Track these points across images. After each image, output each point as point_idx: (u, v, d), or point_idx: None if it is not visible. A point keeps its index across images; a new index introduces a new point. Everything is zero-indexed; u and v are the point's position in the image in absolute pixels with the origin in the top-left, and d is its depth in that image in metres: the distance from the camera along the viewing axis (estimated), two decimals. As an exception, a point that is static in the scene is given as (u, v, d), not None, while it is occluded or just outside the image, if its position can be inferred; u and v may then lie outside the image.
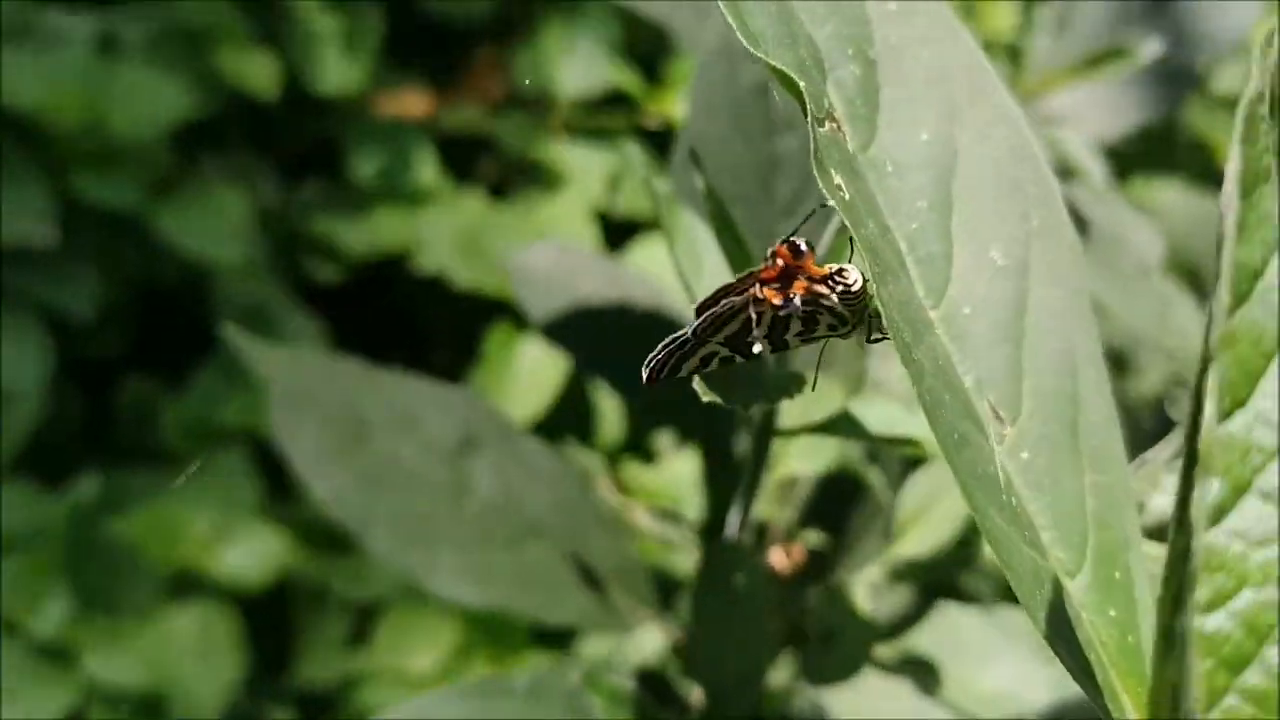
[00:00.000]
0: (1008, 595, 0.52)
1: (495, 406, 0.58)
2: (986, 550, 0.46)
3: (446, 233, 0.89)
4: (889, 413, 0.37)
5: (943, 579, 0.49)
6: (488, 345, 0.84)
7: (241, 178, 0.89)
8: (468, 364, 0.87)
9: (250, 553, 0.77)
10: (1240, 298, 0.17)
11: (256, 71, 0.86)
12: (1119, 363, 0.71)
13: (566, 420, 0.86)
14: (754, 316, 0.26)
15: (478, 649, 0.80)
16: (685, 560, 0.65)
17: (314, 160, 0.93)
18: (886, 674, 0.49)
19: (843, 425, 0.37)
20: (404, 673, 0.79)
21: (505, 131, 0.94)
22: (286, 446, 0.46)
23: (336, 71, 0.89)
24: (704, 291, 0.36)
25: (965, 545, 0.47)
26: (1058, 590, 0.25)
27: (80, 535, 0.76)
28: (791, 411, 0.41)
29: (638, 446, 0.86)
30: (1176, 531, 0.17)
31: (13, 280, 0.81)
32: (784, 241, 0.26)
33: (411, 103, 0.97)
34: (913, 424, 0.37)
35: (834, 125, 0.26)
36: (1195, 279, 0.69)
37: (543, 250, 0.61)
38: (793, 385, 0.33)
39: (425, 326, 0.95)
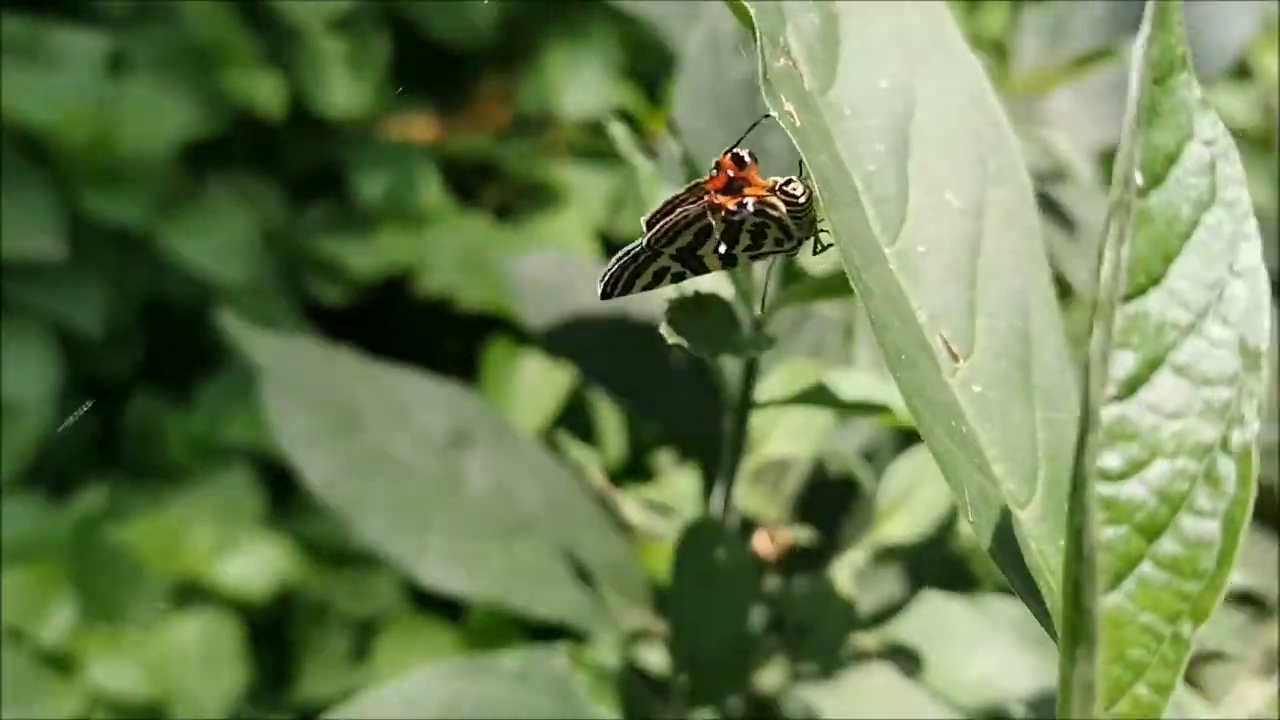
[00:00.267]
0: (993, 585, 0.52)
1: (488, 404, 0.58)
2: (967, 532, 0.47)
3: (450, 253, 0.90)
4: (862, 382, 0.38)
5: (927, 566, 0.49)
6: (487, 358, 0.85)
7: (247, 197, 0.90)
8: (471, 384, 0.88)
9: (252, 563, 0.78)
10: (1154, 179, 0.18)
11: (263, 92, 0.88)
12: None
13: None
14: (715, 224, 0.27)
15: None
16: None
17: (320, 182, 0.94)
18: (871, 662, 0.50)
19: (818, 395, 0.38)
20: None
21: (509, 157, 0.95)
22: (278, 430, 0.47)
23: (342, 94, 0.91)
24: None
25: (947, 530, 0.47)
26: (1006, 514, 0.26)
27: (85, 545, 0.77)
28: (769, 387, 0.42)
29: (639, 464, 0.87)
30: (1082, 402, 0.18)
31: (21, 295, 0.82)
32: (728, 152, 0.27)
33: (418, 128, 0.99)
34: (885, 392, 0.37)
35: (790, 63, 0.27)
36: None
37: (541, 260, 0.62)
38: (764, 342, 0.33)
39: (429, 347, 0.96)
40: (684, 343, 0.29)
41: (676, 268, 0.29)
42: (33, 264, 0.82)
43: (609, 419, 0.86)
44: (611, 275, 0.29)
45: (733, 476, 0.43)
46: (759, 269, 0.36)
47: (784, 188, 0.27)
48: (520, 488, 0.53)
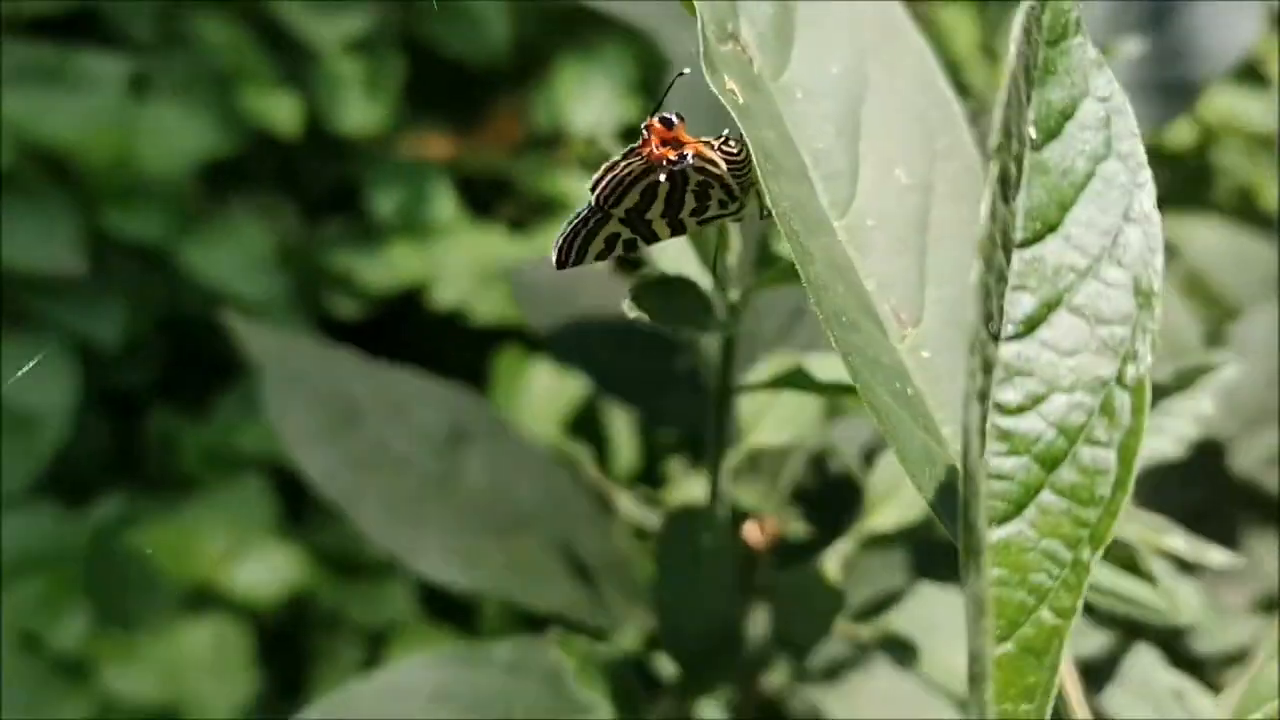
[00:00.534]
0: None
1: (487, 404, 0.60)
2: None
3: (464, 266, 0.91)
4: (837, 364, 0.39)
5: (920, 557, 0.50)
6: (497, 365, 0.86)
7: (265, 215, 0.91)
8: (483, 395, 0.89)
9: (264, 569, 0.79)
10: (1050, 133, 0.19)
11: (281, 113, 0.90)
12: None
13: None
14: (660, 181, 0.28)
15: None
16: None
17: (336, 199, 0.96)
18: (866, 653, 0.50)
19: (795, 378, 0.39)
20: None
21: (522, 172, 0.97)
22: (278, 424, 0.48)
23: (359, 113, 0.92)
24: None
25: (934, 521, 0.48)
26: (951, 472, 0.26)
27: (100, 552, 0.78)
28: (754, 375, 0.43)
29: (652, 472, 0.88)
30: (972, 340, 0.19)
31: (43, 309, 0.84)
32: (653, 115, 0.28)
33: (433, 146, 1.00)
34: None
35: (738, 48, 0.28)
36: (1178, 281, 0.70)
37: (546, 265, 0.63)
38: (733, 323, 0.34)
39: (443, 361, 0.97)
40: (645, 316, 0.30)
41: (627, 233, 0.29)
42: (54, 279, 0.83)
43: (620, 428, 0.87)
44: (565, 240, 0.30)
45: (718, 462, 0.44)
46: (733, 256, 0.37)
47: (722, 146, 0.28)
48: (518, 484, 0.54)
